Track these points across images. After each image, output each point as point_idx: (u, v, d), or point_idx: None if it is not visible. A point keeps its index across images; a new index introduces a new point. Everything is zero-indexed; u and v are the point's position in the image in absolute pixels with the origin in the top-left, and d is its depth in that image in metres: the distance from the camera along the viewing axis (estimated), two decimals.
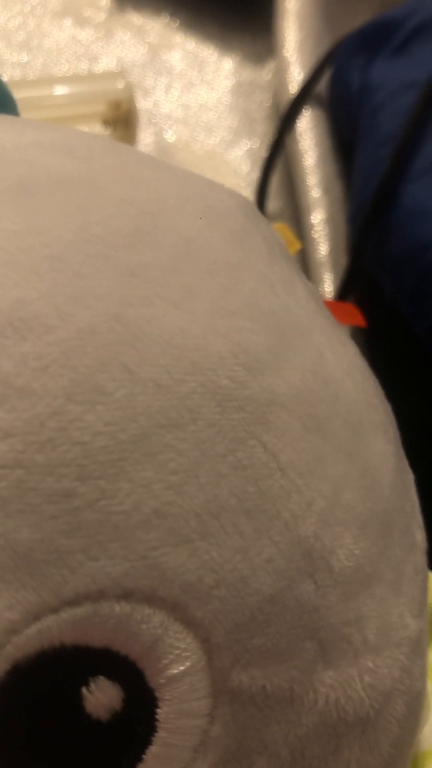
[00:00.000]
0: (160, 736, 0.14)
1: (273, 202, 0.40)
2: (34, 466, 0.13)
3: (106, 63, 0.45)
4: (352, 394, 0.18)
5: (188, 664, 0.14)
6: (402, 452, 0.19)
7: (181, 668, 0.14)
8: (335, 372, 0.17)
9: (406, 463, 0.19)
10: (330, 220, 0.37)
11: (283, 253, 0.20)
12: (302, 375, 0.16)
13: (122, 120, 0.38)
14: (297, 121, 0.39)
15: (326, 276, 0.36)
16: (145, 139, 0.42)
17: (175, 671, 0.14)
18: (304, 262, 0.38)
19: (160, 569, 0.14)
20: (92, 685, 0.14)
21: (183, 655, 0.14)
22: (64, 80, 0.40)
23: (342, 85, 0.38)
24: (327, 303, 0.21)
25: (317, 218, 0.37)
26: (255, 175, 0.41)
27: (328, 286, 0.36)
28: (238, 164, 0.42)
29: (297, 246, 0.35)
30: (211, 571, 0.14)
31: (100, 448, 0.14)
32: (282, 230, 0.27)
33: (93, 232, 0.16)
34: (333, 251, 0.36)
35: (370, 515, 0.17)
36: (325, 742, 0.16)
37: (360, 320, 0.29)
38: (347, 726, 0.16)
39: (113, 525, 0.14)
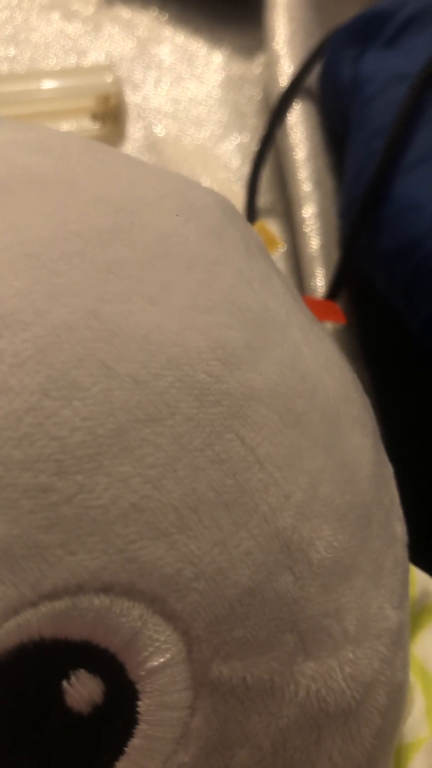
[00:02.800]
0: (142, 729, 0.14)
1: (264, 197, 0.40)
2: (11, 462, 0.13)
3: (94, 57, 0.45)
4: (330, 389, 0.18)
5: (168, 656, 0.14)
6: (381, 446, 0.20)
7: (161, 660, 0.14)
8: (312, 367, 0.17)
9: (385, 456, 0.20)
10: (321, 214, 0.37)
11: (261, 251, 0.20)
12: (280, 370, 0.16)
13: (111, 114, 0.38)
14: (287, 114, 0.39)
15: (318, 270, 0.36)
16: (135, 133, 0.42)
17: (155, 663, 0.14)
18: (296, 257, 0.37)
19: (139, 563, 0.14)
20: (73, 678, 0.14)
21: (163, 647, 0.14)
22: (52, 74, 0.40)
23: (333, 77, 0.38)
24: (306, 300, 0.21)
25: (308, 212, 0.37)
26: (245, 170, 0.41)
27: (320, 281, 0.36)
28: (229, 158, 0.42)
29: (277, 245, 0.35)
30: (190, 564, 0.14)
31: (77, 443, 0.14)
32: (262, 230, 0.27)
33: (70, 229, 0.16)
34: (324, 245, 0.36)
35: (348, 508, 0.17)
36: (306, 734, 0.16)
37: (340, 317, 0.29)
38: (328, 717, 0.16)
39: (91, 519, 0.14)
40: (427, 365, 0.32)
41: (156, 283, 0.16)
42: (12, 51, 0.44)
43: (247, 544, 0.15)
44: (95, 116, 0.38)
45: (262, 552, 0.15)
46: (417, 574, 0.22)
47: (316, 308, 0.21)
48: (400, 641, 0.18)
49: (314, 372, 0.17)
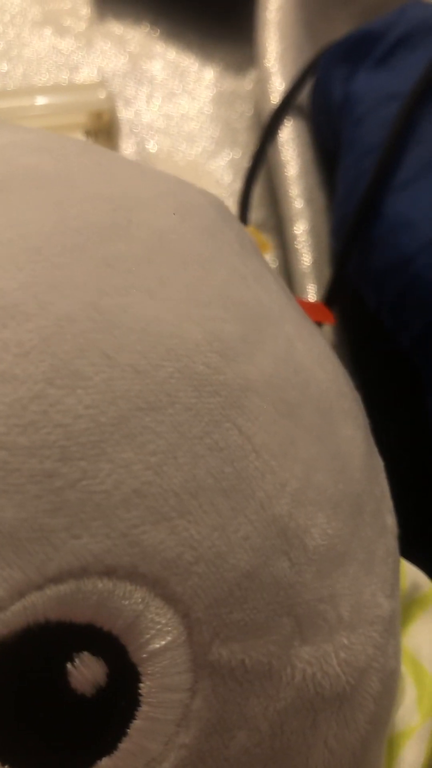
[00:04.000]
0: (143, 711, 0.15)
1: (256, 213, 0.40)
2: (17, 448, 0.14)
3: (86, 73, 0.45)
4: (323, 382, 0.18)
5: (169, 638, 0.15)
6: (371, 439, 0.20)
7: (163, 643, 0.15)
8: (305, 361, 0.18)
9: (375, 449, 0.20)
10: (313, 231, 0.37)
11: (254, 249, 0.20)
12: (274, 362, 0.17)
13: (104, 130, 0.38)
14: (279, 131, 0.39)
15: (309, 287, 0.36)
16: (127, 149, 0.42)
17: (157, 646, 0.14)
18: (287, 273, 0.38)
19: (141, 546, 0.14)
20: (77, 660, 0.14)
21: (164, 630, 0.15)
22: (44, 90, 0.40)
23: (324, 95, 0.38)
24: (297, 301, 0.21)
25: (300, 229, 0.37)
26: (237, 186, 0.41)
27: (312, 298, 0.36)
28: (221, 174, 0.42)
29: (267, 248, 0.35)
30: (190, 548, 0.15)
31: (81, 430, 0.14)
32: (253, 233, 0.28)
33: (70, 225, 0.16)
34: (316, 262, 0.36)
35: (341, 496, 0.17)
36: (303, 717, 0.16)
37: (329, 317, 0.29)
38: (324, 701, 0.16)
39: (95, 504, 0.14)
40: (417, 381, 0.32)
41: (153, 278, 0.16)
42: (4, 66, 0.44)
43: (245, 530, 0.15)
44: (88, 132, 0.38)
45: (260, 537, 0.15)
46: (407, 567, 0.23)
47: (306, 309, 0.21)
48: (392, 629, 0.18)
49: (307, 365, 0.18)
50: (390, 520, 0.20)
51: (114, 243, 0.16)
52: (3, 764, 0.14)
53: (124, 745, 0.14)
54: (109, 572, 0.14)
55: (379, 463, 0.20)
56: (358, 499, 0.18)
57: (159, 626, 0.14)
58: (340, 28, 0.40)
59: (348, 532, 0.17)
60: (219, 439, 0.15)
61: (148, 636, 0.14)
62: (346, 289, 0.34)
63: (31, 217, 0.16)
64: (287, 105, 0.39)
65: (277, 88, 0.40)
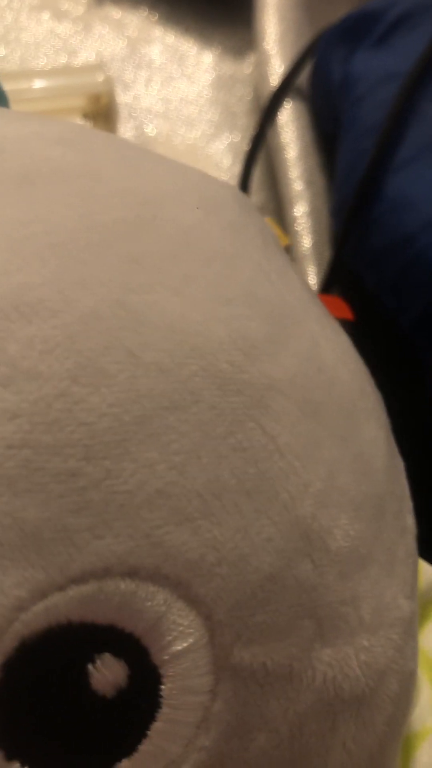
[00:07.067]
0: (164, 712, 0.14)
1: (255, 196, 0.40)
2: (41, 447, 0.14)
3: (84, 57, 0.45)
4: (346, 382, 0.18)
5: (191, 641, 0.14)
6: (392, 439, 0.20)
7: (185, 645, 0.14)
8: (329, 359, 0.18)
9: (396, 449, 0.20)
10: (313, 213, 0.37)
11: (276, 244, 0.20)
12: (298, 361, 0.17)
13: (102, 113, 0.38)
14: (278, 113, 0.39)
15: (310, 269, 0.36)
16: (126, 133, 0.42)
17: (179, 648, 0.14)
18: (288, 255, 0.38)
19: (164, 547, 0.14)
20: (98, 661, 0.14)
21: (186, 632, 0.14)
22: (42, 73, 0.40)
23: (323, 77, 0.38)
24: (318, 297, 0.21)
25: (300, 211, 0.37)
26: (237, 169, 0.41)
27: (312, 279, 0.36)
28: (220, 158, 0.42)
29: (284, 241, 0.35)
30: (213, 549, 0.14)
31: (104, 429, 0.14)
32: (271, 224, 0.27)
33: (95, 220, 0.16)
34: (316, 244, 0.36)
35: (364, 498, 0.17)
36: (322, 719, 0.16)
37: (347, 313, 0.29)
38: (343, 703, 0.16)
39: (118, 504, 0.14)
40: (417, 362, 0.32)
41: (179, 275, 0.16)
42: (2, 51, 0.44)
43: (269, 531, 0.15)
44: (86, 115, 0.38)
45: (283, 539, 0.15)
46: (424, 567, 0.23)
47: (326, 304, 0.21)
48: (411, 630, 0.18)
49: (331, 364, 0.18)
50: (410, 520, 0.19)
51: (139, 239, 0.16)
52: (22, 766, 0.14)
53: (143, 747, 0.14)
54: (132, 573, 0.14)
55: (400, 463, 0.20)
56: (381, 500, 0.18)
57: (181, 628, 0.14)
58: (339, 10, 0.40)
59: (370, 533, 0.17)
60: (242, 439, 0.15)
61: (170, 638, 0.14)
62: (347, 270, 0.34)
63: (56, 212, 0.16)
64: (286, 87, 0.39)
65: (277, 71, 0.40)
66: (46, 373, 0.14)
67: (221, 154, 0.42)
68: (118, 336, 0.15)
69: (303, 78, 0.40)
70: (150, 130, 0.43)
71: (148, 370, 0.15)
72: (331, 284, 0.34)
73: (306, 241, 0.37)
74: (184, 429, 0.15)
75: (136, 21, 0.46)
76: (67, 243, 0.15)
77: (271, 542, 0.15)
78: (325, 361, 0.17)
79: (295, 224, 0.37)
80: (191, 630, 0.14)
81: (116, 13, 0.46)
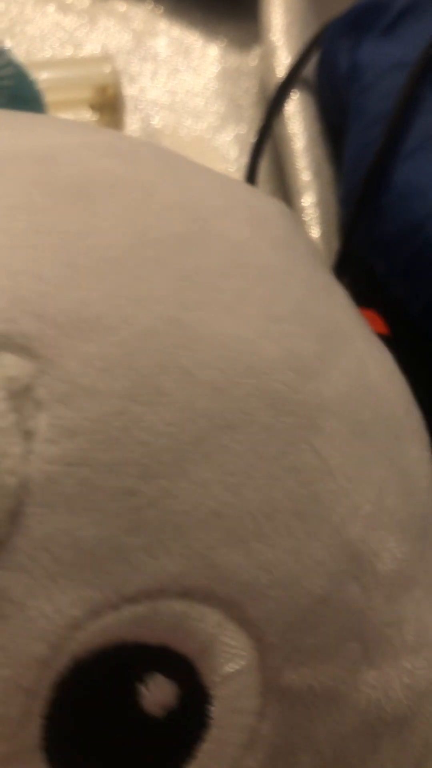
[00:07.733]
0: (212, 733, 0.14)
1: (262, 187, 0.40)
2: (100, 465, 0.13)
3: (90, 50, 0.45)
4: (392, 401, 0.18)
5: (242, 663, 0.14)
6: None
7: (236, 667, 0.14)
8: (376, 378, 0.18)
9: None
10: (321, 204, 0.37)
11: (322, 260, 0.20)
12: (348, 381, 0.17)
13: (109, 105, 0.38)
14: (285, 105, 0.39)
15: None
16: (132, 125, 0.42)
17: (230, 670, 0.14)
18: None
19: (218, 569, 0.14)
20: (149, 681, 0.14)
21: (238, 653, 0.14)
22: (49, 65, 0.40)
23: (330, 67, 0.38)
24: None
25: (308, 201, 0.37)
26: (243, 160, 0.41)
27: None
28: (227, 150, 0.42)
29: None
30: (266, 572, 0.14)
31: (161, 448, 0.14)
32: None
33: (149, 235, 0.16)
34: (325, 234, 0.36)
35: (410, 520, 0.17)
36: (365, 742, 0.16)
37: (381, 327, 0.29)
38: (386, 726, 0.16)
39: (174, 524, 0.14)
40: (428, 351, 0.32)
41: (231, 292, 0.16)
42: (8, 43, 0.44)
43: (320, 554, 0.15)
44: (93, 107, 0.38)
45: (334, 562, 0.15)
46: None
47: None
48: None
49: (378, 383, 0.18)
50: None
51: (192, 255, 0.16)
52: None
53: None
54: (186, 594, 0.14)
55: None
56: (425, 521, 0.17)
57: (233, 650, 0.14)
58: (345, 1, 0.40)
59: (415, 555, 0.17)
60: (295, 460, 0.15)
61: (221, 659, 0.14)
62: (356, 260, 0.34)
63: (111, 226, 0.16)
64: (293, 78, 0.39)
65: (283, 62, 0.40)
66: (105, 391, 0.14)
67: (228, 146, 0.42)
68: (174, 354, 0.14)
69: (309, 69, 0.40)
70: (156, 122, 0.43)
71: (203, 389, 0.14)
72: (340, 274, 0.34)
73: (314, 232, 0.36)
74: (239, 449, 0.14)
75: (141, 14, 0.46)
76: (123, 258, 0.15)
77: (323, 565, 0.15)
78: (373, 380, 0.17)
79: (303, 215, 0.37)
80: (243, 652, 0.14)
81: (121, 5, 0.46)
